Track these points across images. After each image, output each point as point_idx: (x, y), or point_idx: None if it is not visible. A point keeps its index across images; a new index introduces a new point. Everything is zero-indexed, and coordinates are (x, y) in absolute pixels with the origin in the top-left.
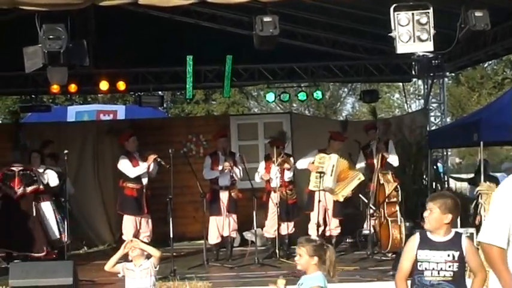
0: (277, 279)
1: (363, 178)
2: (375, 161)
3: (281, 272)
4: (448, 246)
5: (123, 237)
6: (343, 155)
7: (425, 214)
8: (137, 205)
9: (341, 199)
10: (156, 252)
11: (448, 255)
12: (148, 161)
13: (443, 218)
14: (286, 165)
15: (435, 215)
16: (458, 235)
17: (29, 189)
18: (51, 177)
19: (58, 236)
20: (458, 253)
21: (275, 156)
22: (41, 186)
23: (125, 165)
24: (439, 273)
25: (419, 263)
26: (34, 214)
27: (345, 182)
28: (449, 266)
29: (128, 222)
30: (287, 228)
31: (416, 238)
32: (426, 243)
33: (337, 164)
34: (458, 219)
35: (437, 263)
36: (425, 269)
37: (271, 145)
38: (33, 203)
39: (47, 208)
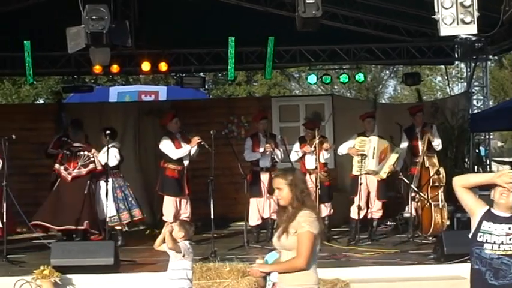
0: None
1: (401, 151)
2: (420, 143)
3: (321, 255)
4: (509, 220)
5: (164, 218)
6: (384, 136)
7: (505, 191)
8: (178, 186)
9: (384, 176)
10: (170, 245)
11: (510, 228)
12: (192, 144)
13: None
14: (325, 145)
15: None
16: None
17: (85, 170)
18: (111, 156)
19: (105, 217)
20: None
21: (313, 137)
22: (98, 167)
23: (167, 146)
24: (499, 247)
25: (480, 234)
26: (86, 192)
27: (385, 161)
28: (510, 239)
29: (169, 203)
30: (327, 209)
31: (485, 207)
32: (491, 216)
33: (378, 145)
34: None
35: (498, 235)
36: (486, 241)
37: (306, 127)
38: (88, 182)
39: (101, 188)
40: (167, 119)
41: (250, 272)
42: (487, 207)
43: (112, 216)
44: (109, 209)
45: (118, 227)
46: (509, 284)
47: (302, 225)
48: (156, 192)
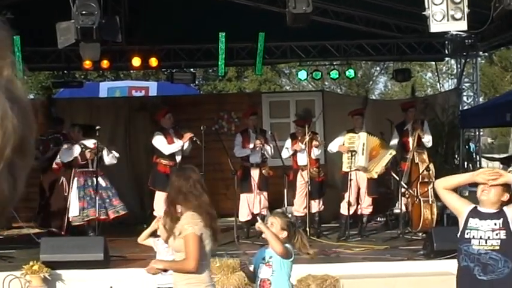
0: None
1: (394, 153)
2: (410, 139)
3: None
4: (494, 216)
5: (154, 213)
6: (374, 133)
7: (486, 188)
8: (170, 181)
9: (375, 176)
10: (164, 236)
11: (495, 224)
12: (184, 139)
13: (503, 195)
14: (315, 142)
15: (499, 191)
16: (502, 208)
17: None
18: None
19: (74, 214)
20: (502, 219)
21: (303, 134)
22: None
23: (159, 142)
24: (486, 242)
25: (467, 231)
26: (64, 190)
27: (377, 159)
28: (496, 234)
29: (160, 198)
30: (318, 205)
31: (471, 205)
32: (476, 213)
33: (367, 141)
34: None
35: (484, 231)
36: (473, 237)
37: (297, 124)
38: (62, 178)
39: (75, 185)
40: (160, 114)
41: (146, 269)
42: (473, 205)
43: (76, 216)
44: (72, 207)
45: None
46: (497, 279)
47: (185, 228)
48: (147, 187)
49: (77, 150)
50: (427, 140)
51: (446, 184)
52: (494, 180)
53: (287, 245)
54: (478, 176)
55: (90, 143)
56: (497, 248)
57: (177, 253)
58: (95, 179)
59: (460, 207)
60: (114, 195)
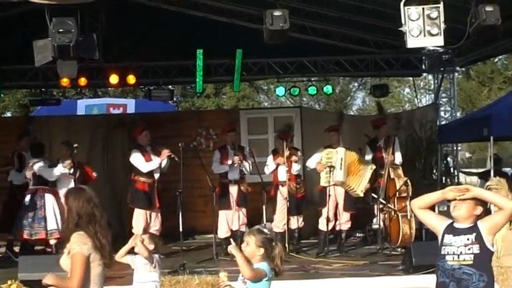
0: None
1: (374, 167)
2: (384, 155)
3: (290, 266)
4: (467, 231)
5: (133, 230)
6: (352, 148)
7: (457, 203)
8: (148, 199)
9: (361, 194)
10: (144, 255)
11: (468, 239)
12: (161, 157)
13: (475, 209)
14: (294, 158)
15: (470, 206)
16: (476, 222)
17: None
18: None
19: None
20: (475, 234)
21: (283, 149)
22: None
23: (137, 160)
24: (459, 258)
25: (443, 247)
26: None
27: (359, 175)
28: (469, 249)
29: (139, 216)
30: (297, 222)
31: (447, 221)
32: (451, 229)
33: (345, 157)
34: None
35: (457, 247)
36: (447, 253)
37: (279, 138)
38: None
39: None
40: (137, 132)
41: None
42: (449, 221)
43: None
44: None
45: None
46: None
47: (73, 247)
48: (126, 204)
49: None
50: (397, 156)
51: (420, 204)
52: (461, 195)
53: (262, 265)
54: (448, 194)
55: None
56: (471, 262)
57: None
58: (28, 197)
59: (436, 225)
60: (38, 219)
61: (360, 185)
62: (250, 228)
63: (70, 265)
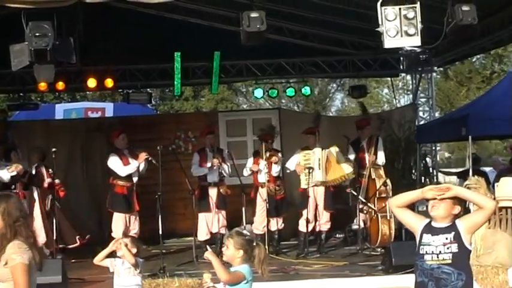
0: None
1: (336, 148)
2: (366, 155)
3: (270, 268)
4: (445, 230)
5: (113, 234)
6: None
7: (436, 203)
8: (127, 203)
9: (352, 175)
10: (130, 259)
11: (446, 238)
12: (139, 160)
13: (454, 208)
14: (274, 159)
15: (448, 205)
16: (454, 221)
17: None
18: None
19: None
20: (453, 233)
21: (263, 150)
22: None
23: (115, 163)
24: (438, 257)
25: (421, 247)
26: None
27: (339, 166)
28: (448, 248)
29: (118, 220)
30: (276, 223)
31: (425, 220)
32: (429, 229)
33: (323, 156)
34: None
35: (436, 246)
36: (426, 252)
37: (261, 139)
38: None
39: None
40: (114, 135)
41: None
42: (427, 220)
43: None
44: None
45: None
46: None
47: (12, 257)
48: (105, 208)
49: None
50: (380, 157)
51: (397, 202)
52: (442, 195)
53: (242, 267)
54: (427, 193)
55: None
56: (449, 261)
57: (1, 283)
58: None
59: (414, 224)
60: None
61: (344, 169)
62: (230, 230)
63: (12, 276)
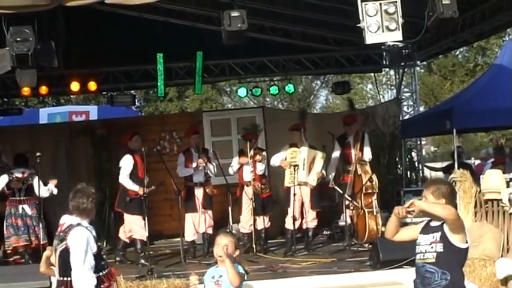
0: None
1: (324, 155)
2: (352, 151)
3: (258, 267)
4: (434, 229)
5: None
6: (317, 146)
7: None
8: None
9: (314, 184)
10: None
11: (433, 237)
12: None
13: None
14: (258, 157)
15: (430, 201)
16: (442, 222)
17: None
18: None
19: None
20: (440, 233)
21: (248, 149)
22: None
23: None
24: (423, 256)
25: (416, 246)
26: None
27: (312, 169)
28: (432, 247)
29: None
30: (263, 222)
31: (423, 222)
32: (424, 228)
33: (308, 156)
34: None
35: (424, 245)
36: (418, 251)
37: (244, 138)
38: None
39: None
40: (127, 137)
41: None
42: (426, 220)
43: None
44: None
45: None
46: None
47: None
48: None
49: (3, 180)
50: (366, 152)
51: (389, 234)
52: (411, 209)
53: (238, 267)
54: (398, 214)
55: (19, 171)
56: (433, 260)
57: None
58: (20, 208)
59: (414, 233)
60: (37, 225)
61: (311, 176)
62: (217, 230)
63: None
